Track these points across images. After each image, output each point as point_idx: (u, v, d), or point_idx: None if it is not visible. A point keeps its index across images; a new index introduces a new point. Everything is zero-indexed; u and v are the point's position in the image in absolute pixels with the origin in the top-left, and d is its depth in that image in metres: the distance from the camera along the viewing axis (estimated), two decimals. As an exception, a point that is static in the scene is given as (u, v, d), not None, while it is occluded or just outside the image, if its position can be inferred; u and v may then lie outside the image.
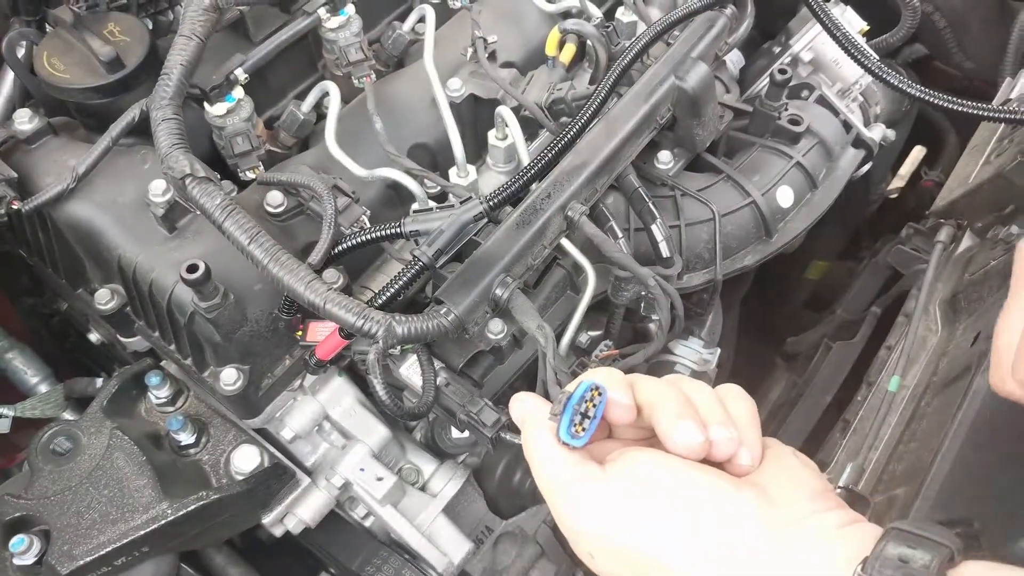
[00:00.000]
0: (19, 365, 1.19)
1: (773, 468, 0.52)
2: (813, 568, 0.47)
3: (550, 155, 0.84)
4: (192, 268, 0.76)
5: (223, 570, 1.17)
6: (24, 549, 0.78)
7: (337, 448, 0.99)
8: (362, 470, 0.96)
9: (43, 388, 1.19)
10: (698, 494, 0.50)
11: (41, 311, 1.29)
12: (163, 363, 0.98)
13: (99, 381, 1.11)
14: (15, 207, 0.85)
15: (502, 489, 1.15)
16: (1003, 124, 1.05)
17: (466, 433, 1.05)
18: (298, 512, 0.96)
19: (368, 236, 0.81)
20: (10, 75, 1.04)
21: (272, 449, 0.93)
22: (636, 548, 0.50)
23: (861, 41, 1.25)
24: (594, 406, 0.51)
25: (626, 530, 0.50)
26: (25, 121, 0.90)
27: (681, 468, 0.51)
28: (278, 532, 0.98)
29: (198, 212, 0.87)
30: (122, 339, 0.99)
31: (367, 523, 1.03)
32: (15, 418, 1.14)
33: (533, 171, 0.83)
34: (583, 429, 0.51)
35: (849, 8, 1.24)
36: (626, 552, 0.50)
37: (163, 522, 0.81)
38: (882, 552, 0.45)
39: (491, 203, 0.80)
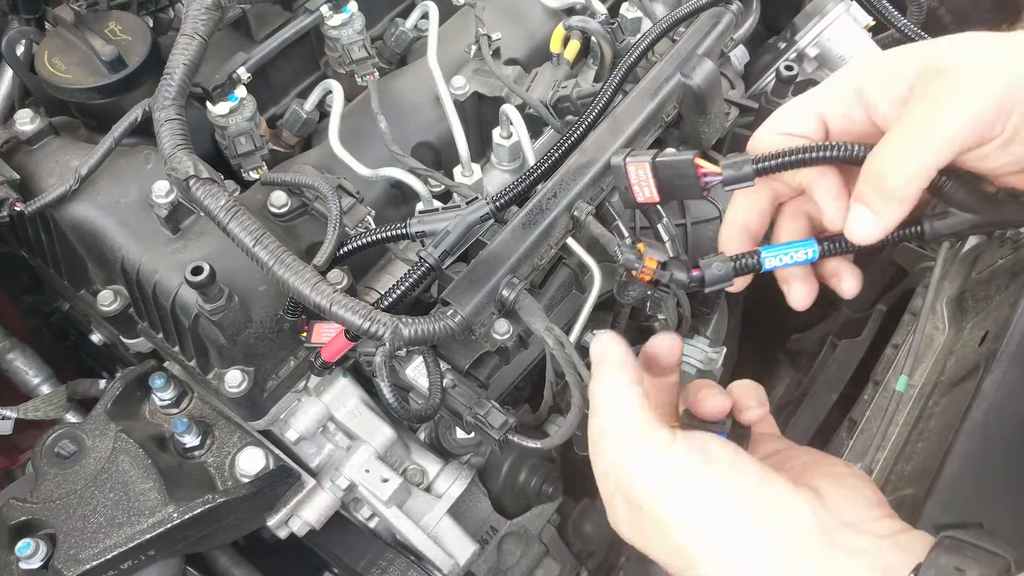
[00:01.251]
0: (20, 366, 1.19)
1: (828, 476, 0.53)
2: (864, 573, 0.47)
3: (557, 154, 0.84)
4: (197, 270, 0.76)
5: (227, 571, 1.17)
6: (30, 553, 0.78)
7: (342, 449, 0.99)
8: (367, 471, 0.95)
9: (45, 389, 1.18)
10: (757, 487, 0.50)
11: (42, 309, 1.29)
12: (166, 364, 0.98)
13: (102, 382, 1.10)
14: (18, 209, 0.84)
15: (507, 489, 1.15)
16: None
17: (471, 434, 1.06)
18: (303, 514, 0.96)
19: (374, 237, 0.80)
20: (8, 74, 1.03)
21: (277, 451, 0.93)
22: (680, 519, 0.50)
23: (866, 36, 1.25)
24: None
25: (677, 497, 0.50)
26: (27, 121, 0.89)
27: (744, 459, 0.51)
28: (283, 534, 0.97)
29: (202, 213, 0.87)
30: (125, 340, 0.98)
31: (372, 524, 1.03)
32: (17, 419, 1.14)
33: (540, 171, 0.82)
34: None
35: (855, 3, 1.23)
36: (665, 518, 0.51)
37: (169, 526, 0.81)
38: (936, 560, 0.45)
39: (498, 203, 0.80)
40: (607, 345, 0.58)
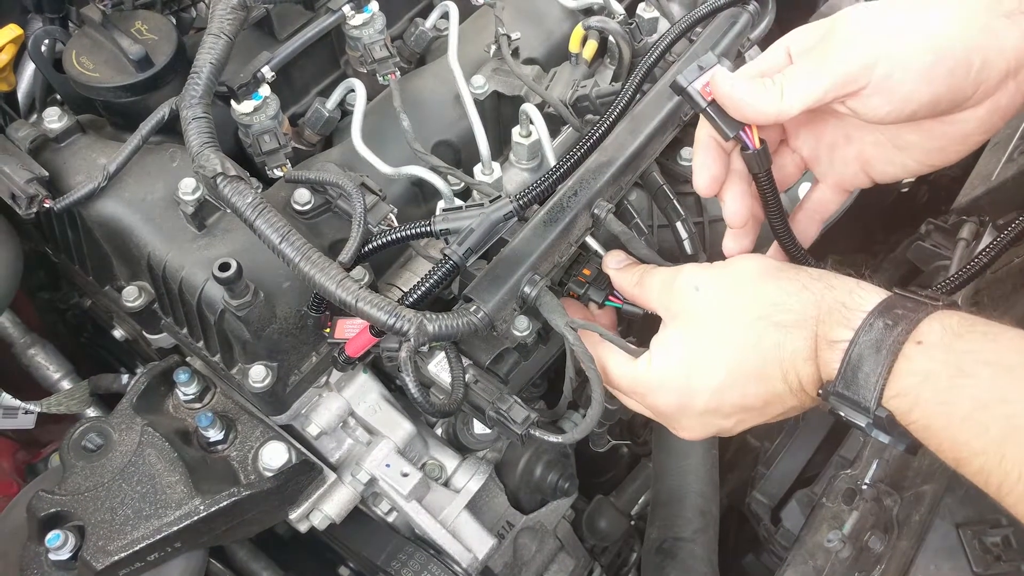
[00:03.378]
0: (42, 361, 1.21)
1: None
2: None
3: (579, 153, 0.85)
4: (224, 266, 0.77)
5: (245, 565, 1.19)
6: (60, 544, 0.79)
7: (362, 444, 1.00)
8: (388, 466, 0.97)
9: (65, 384, 1.20)
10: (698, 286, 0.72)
11: (57, 306, 1.30)
12: (188, 360, 0.99)
13: (124, 377, 1.12)
14: (47, 206, 0.85)
15: (523, 484, 1.16)
16: (1025, 121, 1.05)
17: (492, 428, 1.07)
18: (324, 508, 0.97)
19: (398, 235, 0.81)
20: (28, 72, 1.05)
21: (298, 446, 0.94)
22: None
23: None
24: None
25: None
26: (55, 120, 0.90)
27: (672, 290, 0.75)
28: (303, 528, 0.98)
29: (228, 210, 0.88)
30: (148, 336, 1.00)
31: (390, 519, 1.04)
32: (39, 414, 1.15)
33: (563, 169, 0.83)
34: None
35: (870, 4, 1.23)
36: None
37: (196, 518, 0.82)
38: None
39: (520, 201, 0.81)
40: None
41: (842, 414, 0.61)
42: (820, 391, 0.63)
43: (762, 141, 0.69)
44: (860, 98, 0.62)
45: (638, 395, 0.76)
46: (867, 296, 0.62)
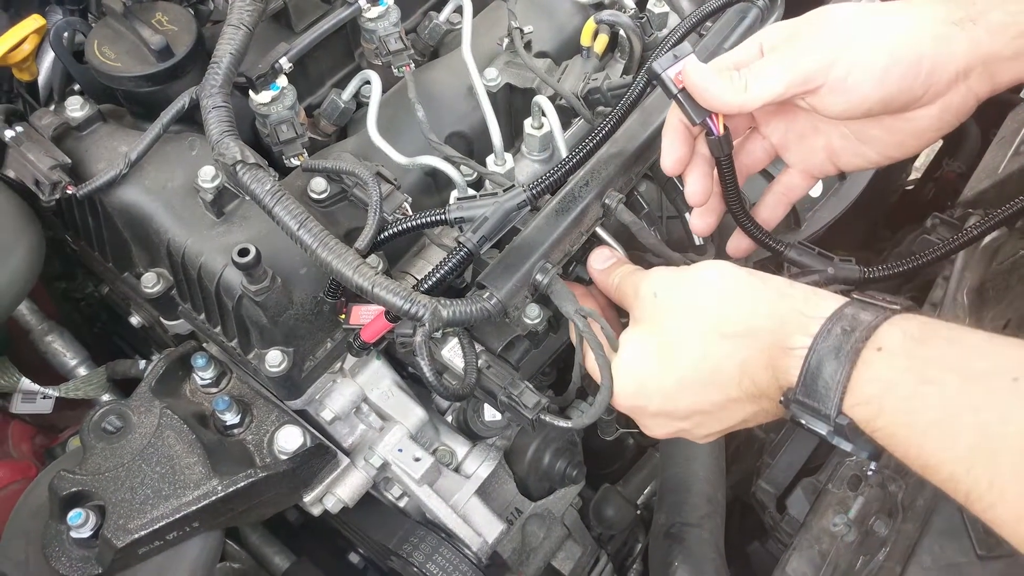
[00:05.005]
0: (59, 348, 1.23)
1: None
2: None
3: (592, 144, 0.86)
4: (243, 252, 0.79)
5: (258, 548, 1.21)
6: (81, 523, 0.81)
7: (375, 430, 1.02)
8: (400, 451, 0.98)
9: (81, 370, 1.22)
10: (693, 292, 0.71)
11: (72, 295, 1.32)
12: (205, 345, 1.01)
13: (142, 363, 1.13)
14: (70, 192, 0.87)
15: (531, 472, 1.18)
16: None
17: (498, 416, 1.08)
18: (337, 492, 0.99)
19: (414, 223, 0.83)
20: (47, 62, 1.06)
21: (313, 430, 0.95)
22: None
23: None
24: None
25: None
26: (76, 108, 0.92)
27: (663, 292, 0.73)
28: (317, 511, 1.00)
29: (246, 197, 0.90)
30: (165, 322, 1.02)
31: (402, 504, 1.06)
32: (56, 400, 1.18)
33: (575, 160, 0.85)
34: None
35: (878, 0, 1.25)
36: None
37: (214, 498, 0.84)
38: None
39: (534, 191, 0.82)
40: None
41: (803, 422, 0.60)
42: (782, 399, 0.63)
43: (726, 128, 0.73)
44: (818, 95, 0.67)
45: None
46: (824, 303, 0.62)
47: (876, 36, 0.65)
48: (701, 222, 0.84)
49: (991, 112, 1.27)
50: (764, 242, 0.83)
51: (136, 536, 0.82)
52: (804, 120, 0.77)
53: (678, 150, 0.77)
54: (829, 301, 0.62)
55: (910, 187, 1.70)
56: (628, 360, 0.74)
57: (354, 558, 1.28)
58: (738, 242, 0.88)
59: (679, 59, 0.72)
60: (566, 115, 1.06)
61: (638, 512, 1.33)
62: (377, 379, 1.00)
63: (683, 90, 0.72)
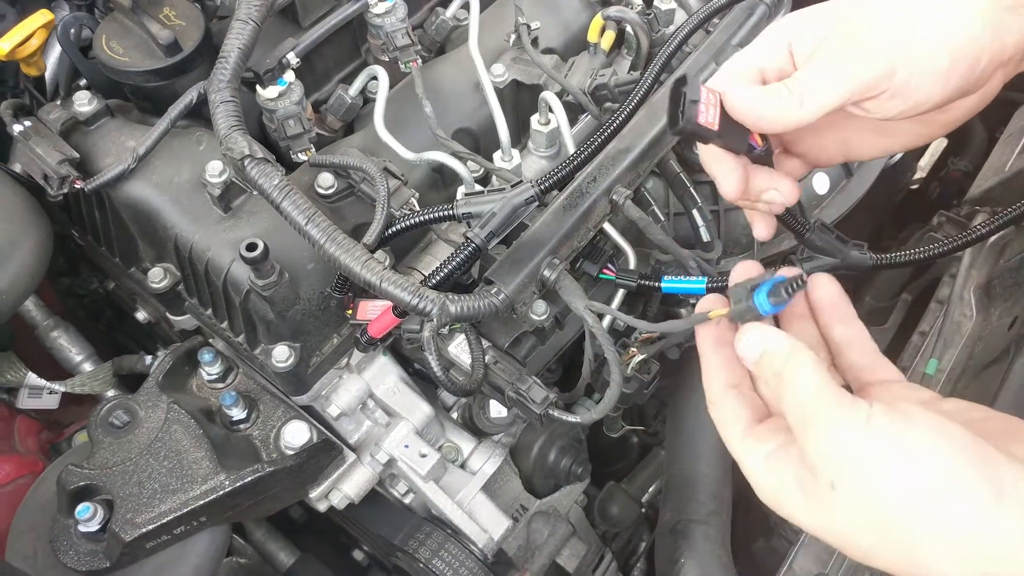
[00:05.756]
0: (64, 343, 1.23)
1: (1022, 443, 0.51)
2: None
3: (599, 140, 0.86)
4: (251, 246, 0.79)
5: (263, 544, 1.21)
6: (89, 516, 0.81)
7: (381, 426, 1.02)
8: (406, 447, 0.98)
9: (87, 366, 1.22)
10: (972, 455, 0.47)
11: (76, 291, 1.32)
12: (211, 341, 1.01)
13: (148, 358, 1.14)
14: (78, 186, 0.87)
15: (536, 469, 1.17)
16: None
17: (504, 413, 1.08)
18: (343, 487, 0.99)
19: (421, 218, 0.83)
20: (54, 57, 1.06)
21: (319, 426, 0.96)
22: (894, 489, 0.48)
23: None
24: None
25: (891, 471, 0.48)
26: (84, 103, 0.92)
27: (952, 427, 0.49)
28: (323, 507, 1.00)
29: (253, 192, 0.90)
30: (171, 317, 1.02)
31: (407, 500, 1.06)
32: (62, 395, 1.18)
33: (583, 156, 0.84)
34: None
35: None
36: (879, 488, 0.48)
37: (221, 493, 0.84)
38: None
39: (542, 187, 0.82)
40: (770, 340, 0.55)
41: None
42: None
43: (764, 137, 0.65)
44: (877, 101, 0.60)
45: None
46: None
47: (936, 33, 0.59)
48: (765, 225, 0.71)
49: (997, 111, 1.27)
50: (788, 221, 0.76)
51: (144, 530, 0.82)
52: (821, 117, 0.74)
53: (734, 173, 0.67)
54: None
55: (915, 186, 1.70)
56: (767, 492, 0.55)
57: (358, 555, 1.28)
58: (762, 225, 0.76)
59: (698, 102, 0.60)
60: (573, 111, 1.06)
61: (643, 510, 1.33)
62: (383, 375, 1.00)
63: (721, 127, 0.61)
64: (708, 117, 0.59)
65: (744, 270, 0.61)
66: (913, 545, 0.47)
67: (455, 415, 1.11)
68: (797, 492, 0.51)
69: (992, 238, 1.03)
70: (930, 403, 0.56)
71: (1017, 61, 0.61)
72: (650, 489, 1.36)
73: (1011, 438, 0.51)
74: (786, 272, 0.58)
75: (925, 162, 1.75)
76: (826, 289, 0.62)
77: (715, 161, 0.66)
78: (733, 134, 0.61)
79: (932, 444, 0.48)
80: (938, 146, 1.68)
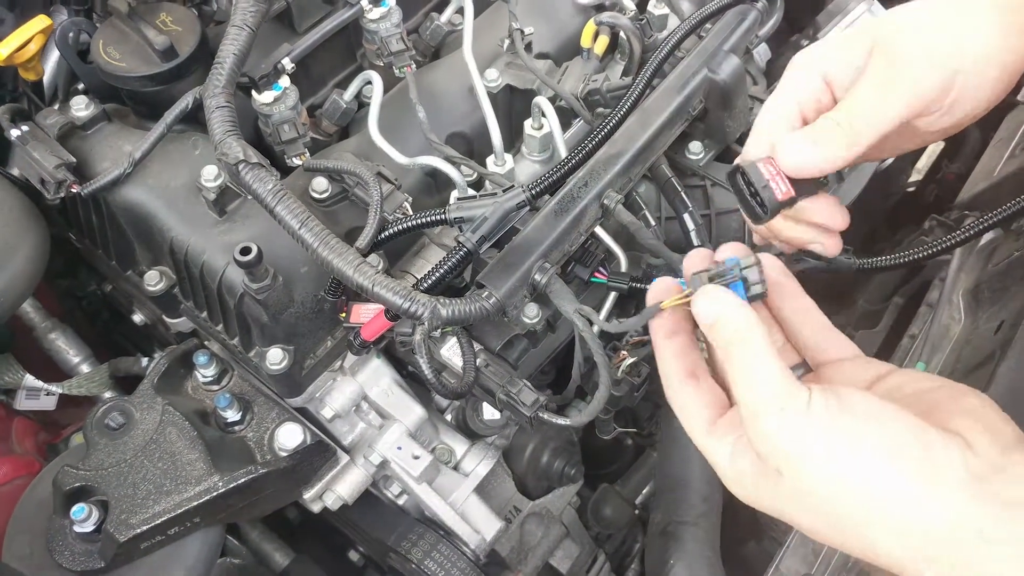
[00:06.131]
0: (62, 345, 1.23)
1: (963, 413, 0.52)
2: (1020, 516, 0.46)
3: (590, 145, 0.87)
4: (245, 250, 0.80)
5: (258, 545, 1.22)
6: (84, 517, 0.82)
7: (374, 428, 1.02)
8: (399, 448, 0.99)
9: (84, 368, 1.23)
10: (905, 438, 0.49)
11: (74, 293, 1.33)
12: (207, 343, 1.02)
13: (144, 360, 1.14)
14: (74, 191, 0.88)
15: (530, 470, 1.18)
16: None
17: (498, 415, 1.09)
18: (337, 489, 0.99)
19: (414, 222, 0.84)
20: (52, 61, 1.07)
21: (313, 428, 0.96)
22: (832, 475, 0.49)
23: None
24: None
25: (828, 458, 0.49)
26: (82, 108, 0.93)
27: (883, 407, 0.50)
28: (317, 508, 1.01)
29: (248, 197, 0.91)
30: (167, 320, 1.02)
31: (401, 501, 1.07)
32: (60, 396, 1.19)
33: (574, 161, 0.85)
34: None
35: (876, 1, 1.26)
36: (819, 475, 0.49)
37: (215, 494, 0.85)
38: None
39: (533, 191, 0.83)
40: (728, 311, 0.54)
41: None
42: None
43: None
44: (928, 119, 0.59)
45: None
46: None
47: (985, 53, 0.58)
48: (831, 242, 0.68)
49: (991, 115, 1.28)
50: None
51: (138, 531, 0.83)
52: None
53: (808, 234, 0.65)
54: None
55: (912, 188, 1.70)
56: (734, 484, 0.57)
57: (354, 556, 1.29)
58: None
59: (767, 184, 0.58)
60: (567, 116, 1.07)
61: (636, 512, 1.33)
62: (377, 377, 1.01)
63: (796, 189, 0.59)
64: (782, 190, 0.58)
65: (697, 258, 0.61)
66: (859, 527, 0.49)
67: (449, 417, 1.12)
68: (756, 478, 0.53)
69: (982, 242, 1.04)
70: (881, 379, 0.57)
71: None
72: (644, 491, 1.37)
73: (955, 408, 0.52)
74: (736, 252, 0.59)
75: (923, 164, 1.76)
76: (770, 269, 0.61)
77: (788, 229, 0.65)
78: (805, 186, 0.60)
79: (868, 429, 0.49)
80: (935, 148, 1.69)
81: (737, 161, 0.62)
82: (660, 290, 0.61)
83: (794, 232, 0.66)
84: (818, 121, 0.59)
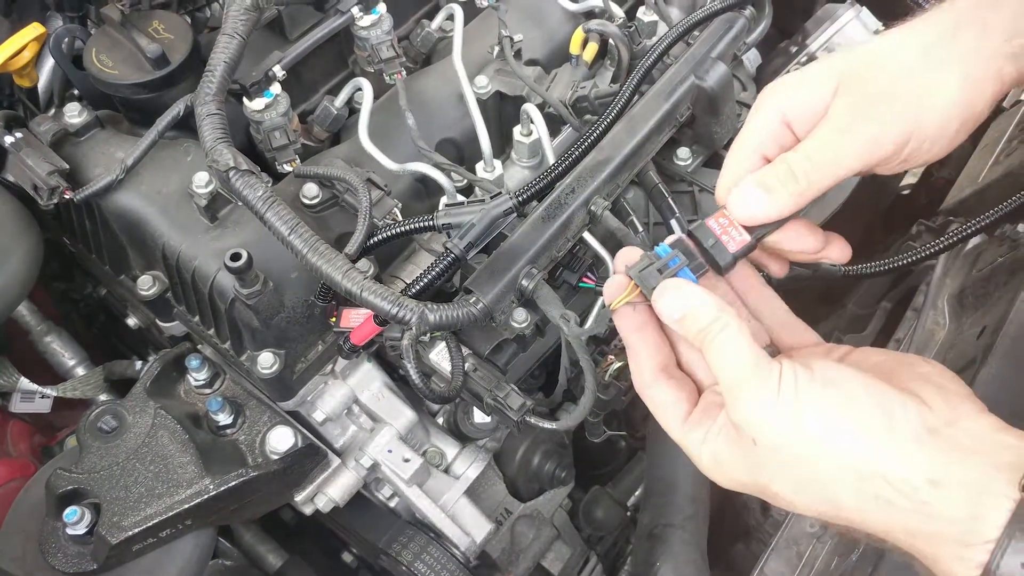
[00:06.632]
0: (57, 348, 1.25)
1: (918, 377, 0.56)
2: (976, 467, 0.49)
3: (577, 152, 0.88)
4: (236, 256, 0.81)
5: (252, 547, 1.23)
6: (76, 520, 0.83)
7: (366, 431, 1.04)
8: (390, 451, 1.00)
9: (80, 370, 1.24)
10: (865, 398, 0.53)
11: (71, 296, 1.34)
12: (199, 347, 1.03)
13: (138, 364, 1.15)
14: (67, 197, 0.89)
15: (521, 473, 1.19)
16: (1013, 124, 1.08)
17: (488, 418, 1.10)
18: (328, 491, 1.00)
19: (402, 228, 0.85)
20: (47, 68, 1.09)
21: (304, 431, 0.97)
22: (799, 434, 0.53)
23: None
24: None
25: (795, 420, 0.53)
26: (75, 115, 0.94)
27: (846, 372, 0.54)
28: (308, 510, 1.02)
29: (239, 203, 0.92)
30: (160, 324, 1.03)
31: (392, 503, 1.08)
32: (54, 399, 1.20)
33: (561, 168, 0.86)
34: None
35: (865, 9, 1.26)
36: (787, 435, 0.53)
37: (206, 497, 0.86)
38: None
39: (520, 198, 0.84)
40: (694, 301, 0.57)
41: None
42: None
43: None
44: (887, 166, 0.60)
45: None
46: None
47: (949, 102, 0.57)
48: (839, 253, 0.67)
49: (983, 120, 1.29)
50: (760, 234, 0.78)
51: (130, 533, 0.84)
52: None
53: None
54: (1019, 446, 0.50)
55: (906, 191, 1.71)
56: (713, 470, 0.60)
57: (347, 557, 1.30)
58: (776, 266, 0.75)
59: (716, 240, 0.60)
60: (556, 122, 1.08)
61: (628, 514, 1.34)
62: (368, 381, 1.02)
63: (753, 232, 0.61)
64: (736, 239, 0.60)
65: (629, 254, 0.63)
66: (823, 483, 0.53)
67: (440, 420, 1.13)
68: (733, 456, 0.56)
69: (967, 247, 1.04)
70: (842, 358, 0.61)
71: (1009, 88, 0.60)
72: (636, 493, 1.38)
73: (911, 374, 0.56)
74: (667, 241, 0.62)
75: (917, 167, 1.76)
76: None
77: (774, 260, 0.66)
78: (766, 226, 0.61)
79: (831, 392, 0.53)
80: (929, 152, 1.69)
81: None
82: (613, 289, 0.63)
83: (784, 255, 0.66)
84: (775, 164, 0.60)
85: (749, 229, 0.60)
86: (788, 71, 1.08)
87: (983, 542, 0.47)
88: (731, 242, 0.60)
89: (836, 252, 0.65)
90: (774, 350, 0.63)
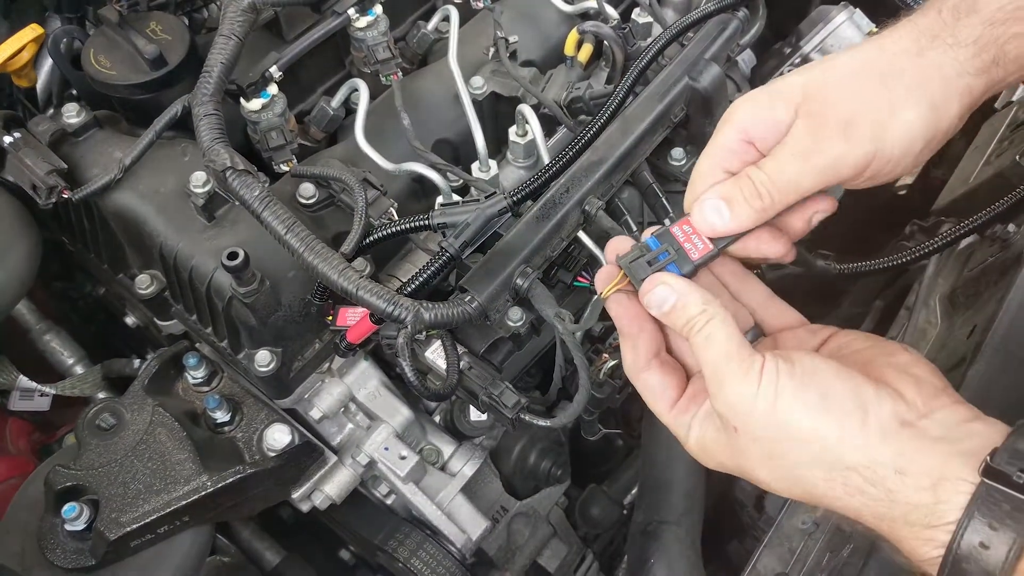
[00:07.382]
0: (56, 347, 1.26)
1: (894, 367, 0.58)
2: (940, 455, 0.52)
3: (572, 152, 0.89)
4: (232, 255, 0.81)
5: (249, 544, 1.24)
6: (75, 516, 0.84)
7: (362, 428, 1.04)
8: (386, 449, 1.01)
9: (78, 369, 1.25)
10: (842, 390, 0.55)
11: (70, 295, 1.35)
12: (197, 345, 1.03)
13: (136, 362, 1.16)
14: (66, 196, 0.90)
15: (517, 471, 1.20)
16: (1004, 125, 1.09)
17: (484, 416, 1.11)
18: (325, 489, 1.01)
19: (397, 228, 0.86)
20: (46, 68, 1.09)
21: (301, 428, 0.98)
22: (776, 424, 0.55)
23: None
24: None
25: (774, 410, 0.55)
26: (73, 115, 0.95)
27: (824, 364, 0.57)
28: (305, 508, 1.03)
29: (237, 203, 0.93)
30: (158, 322, 1.04)
31: (389, 501, 1.09)
32: (53, 397, 1.20)
33: (555, 168, 0.87)
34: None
35: (858, 10, 1.27)
36: (765, 425, 0.55)
37: (203, 493, 0.87)
38: (1013, 444, 0.51)
39: (514, 198, 0.85)
40: (680, 298, 0.59)
41: None
42: None
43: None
44: (850, 184, 0.60)
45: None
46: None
47: (910, 127, 0.57)
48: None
49: (971, 121, 1.30)
50: None
51: (128, 529, 0.85)
52: None
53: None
54: (988, 434, 0.52)
55: (903, 191, 1.72)
56: (701, 453, 0.62)
57: (345, 554, 1.30)
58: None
59: (680, 247, 0.61)
60: (551, 123, 1.08)
61: (624, 511, 1.35)
62: (365, 379, 1.03)
63: (714, 241, 0.62)
64: (698, 247, 0.62)
65: (620, 243, 0.65)
66: (797, 468, 0.56)
67: (437, 418, 1.14)
68: (719, 441, 0.59)
69: (959, 247, 1.05)
70: (825, 342, 0.64)
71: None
72: (632, 491, 1.39)
73: (889, 362, 0.59)
74: (650, 230, 0.63)
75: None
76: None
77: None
78: (727, 237, 0.62)
79: (809, 384, 0.55)
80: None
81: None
82: (604, 278, 0.64)
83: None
84: (738, 179, 0.61)
85: (712, 239, 0.62)
86: (781, 73, 1.09)
87: (945, 523, 0.50)
88: (693, 250, 0.62)
89: (777, 248, 0.64)
90: (759, 331, 0.66)
